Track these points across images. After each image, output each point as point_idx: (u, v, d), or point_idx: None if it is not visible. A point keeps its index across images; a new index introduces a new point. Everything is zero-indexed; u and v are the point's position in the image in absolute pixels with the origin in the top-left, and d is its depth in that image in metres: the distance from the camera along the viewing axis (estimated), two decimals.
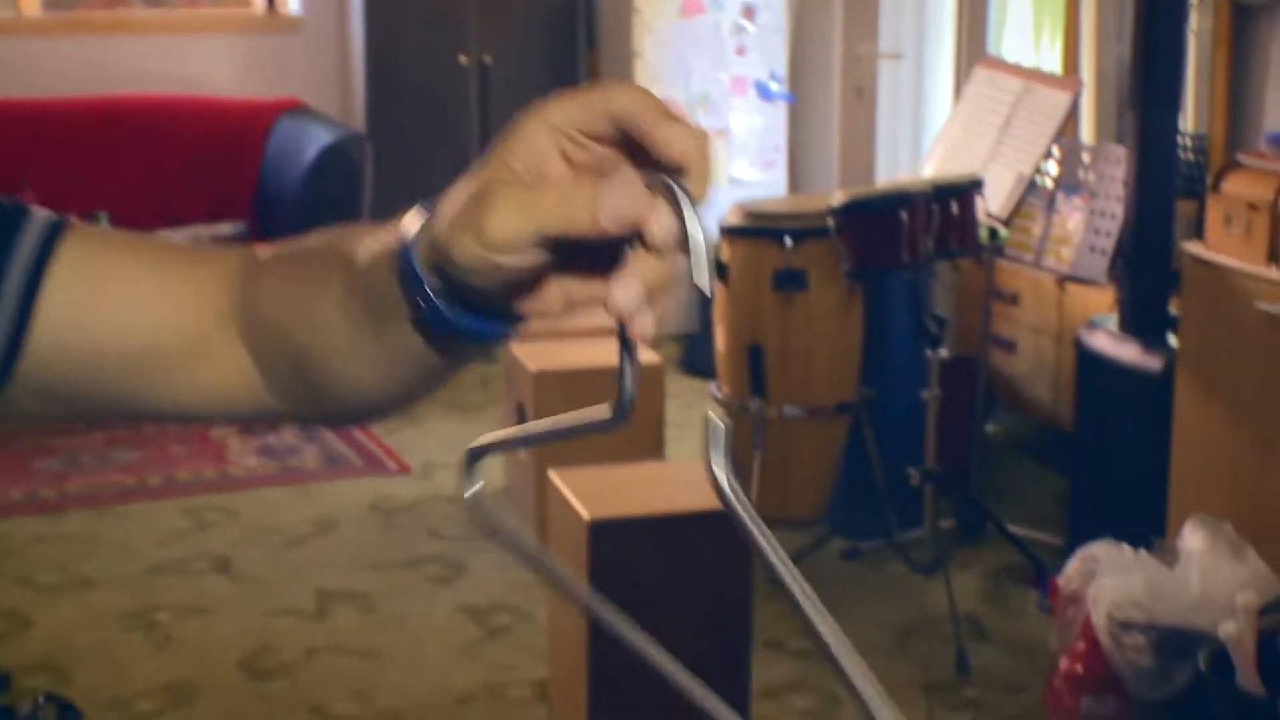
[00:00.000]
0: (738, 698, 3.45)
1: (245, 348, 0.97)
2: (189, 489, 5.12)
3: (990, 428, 4.99)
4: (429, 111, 6.76)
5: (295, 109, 6.41)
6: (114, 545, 4.69)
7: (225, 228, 6.12)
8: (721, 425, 0.68)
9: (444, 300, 0.78)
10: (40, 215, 1.04)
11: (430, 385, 0.94)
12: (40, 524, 4.82)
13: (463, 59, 6.66)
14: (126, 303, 1.04)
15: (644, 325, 0.72)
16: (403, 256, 0.79)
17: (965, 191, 4.11)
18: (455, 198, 0.74)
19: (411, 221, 0.79)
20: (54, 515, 4.87)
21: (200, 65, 6.76)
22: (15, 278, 1.02)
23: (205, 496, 5.06)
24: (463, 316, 0.79)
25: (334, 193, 5.98)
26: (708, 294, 0.69)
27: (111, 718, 3.71)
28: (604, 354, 4.30)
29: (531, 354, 4.53)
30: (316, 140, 6.08)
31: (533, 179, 0.73)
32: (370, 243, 0.85)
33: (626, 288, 0.71)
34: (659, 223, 0.70)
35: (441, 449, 5.39)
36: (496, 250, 0.71)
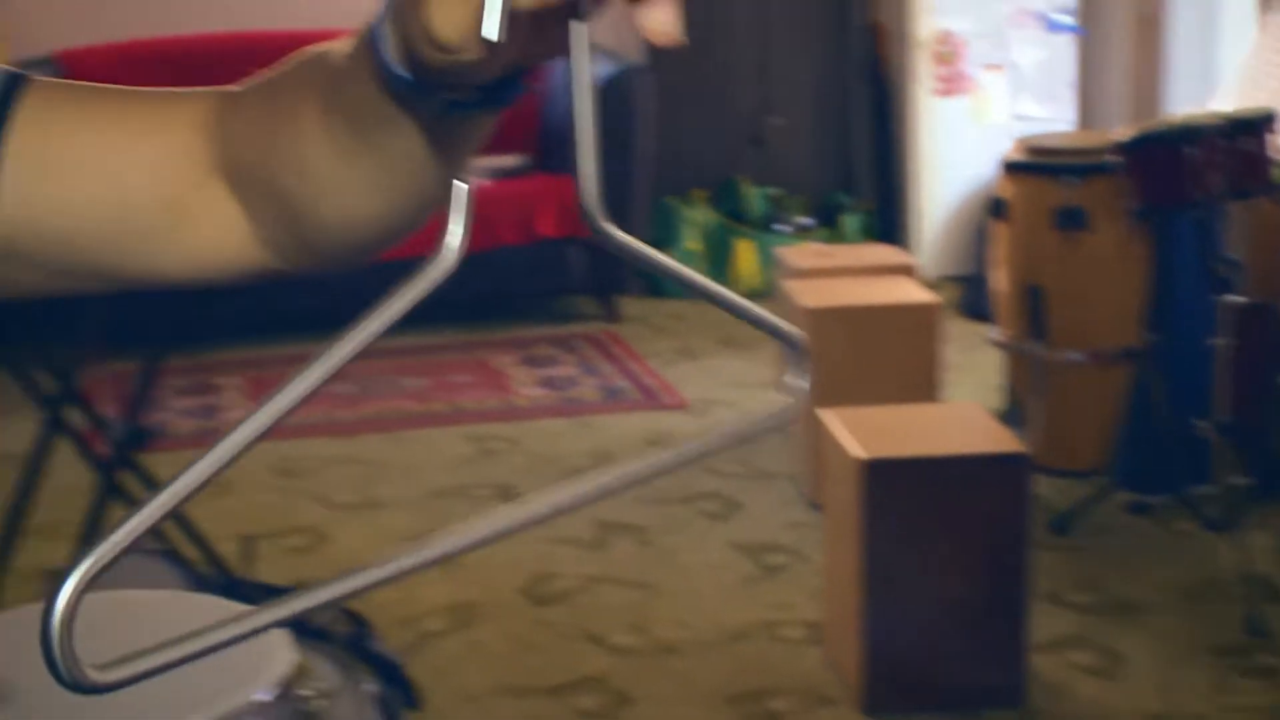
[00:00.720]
0: (1013, 648, 3.44)
1: (233, 195, 0.90)
2: (474, 417, 5.24)
3: None
4: (706, 45, 6.69)
5: None
6: (402, 468, 4.84)
7: (509, 160, 6.18)
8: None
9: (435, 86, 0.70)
10: (4, 69, 0.99)
11: (427, 198, 0.86)
12: (335, 446, 5.00)
13: None
14: (96, 159, 0.98)
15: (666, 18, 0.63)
16: (377, 61, 0.71)
17: (1260, 126, 4.00)
18: None
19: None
20: (348, 438, 5.07)
21: None
22: None
23: (489, 425, 5.19)
24: (464, 100, 0.72)
25: (613, 124, 5.93)
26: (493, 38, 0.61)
27: (399, 634, 3.81)
28: (880, 291, 4.22)
29: (806, 290, 4.44)
30: (597, 72, 5.95)
31: None
32: (339, 47, 0.78)
33: (661, 10, 0.62)
34: None
35: (718, 385, 5.44)
36: (450, 50, 0.64)
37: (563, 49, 0.67)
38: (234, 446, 0.55)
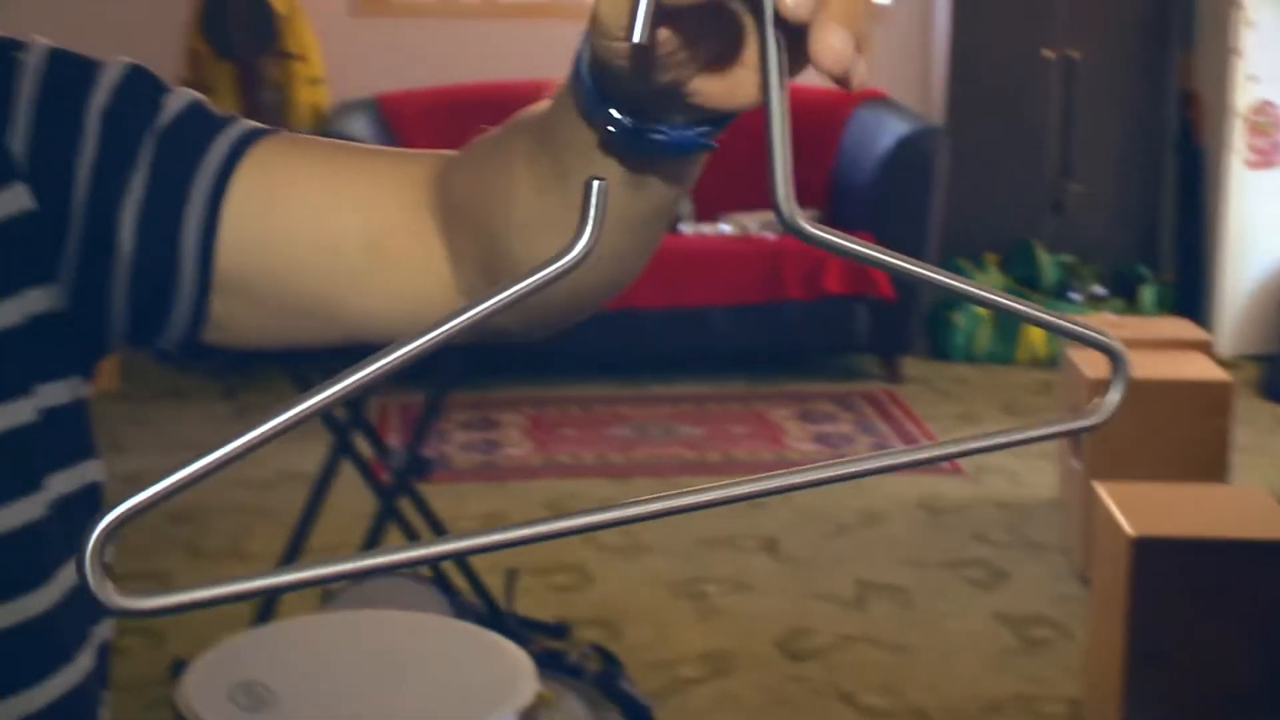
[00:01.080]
0: None
1: (439, 238, 0.94)
2: (745, 468, 5.18)
3: None
4: (1008, 106, 6.63)
5: (875, 99, 6.39)
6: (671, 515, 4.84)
7: (800, 214, 6.07)
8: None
9: (624, 114, 0.73)
10: (241, 124, 1.05)
11: (623, 246, 0.88)
12: (607, 487, 5.03)
13: (1048, 53, 6.48)
14: (311, 202, 1.04)
15: (860, 73, 0.63)
16: (575, 76, 0.74)
17: None
18: None
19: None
20: (621, 480, 5.08)
21: None
22: (201, 184, 1.03)
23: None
24: (646, 128, 0.74)
25: (906, 184, 5.97)
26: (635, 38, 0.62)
27: (653, 677, 3.84)
28: (1171, 366, 4.10)
29: (1089, 360, 4.34)
30: (893, 131, 6.08)
31: None
32: (551, 95, 0.80)
33: (832, 33, 0.62)
34: None
35: (997, 452, 5.29)
36: (612, 35, 0.66)
37: (731, 96, 0.69)
38: (287, 420, 0.57)
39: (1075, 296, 6.59)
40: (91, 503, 1.14)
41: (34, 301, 1.07)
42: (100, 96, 1.07)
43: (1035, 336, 6.51)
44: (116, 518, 0.57)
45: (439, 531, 3.84)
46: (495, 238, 0.90)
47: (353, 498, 3.93)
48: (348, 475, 3.81)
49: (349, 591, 3.36)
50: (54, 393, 1.10)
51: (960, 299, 0.77)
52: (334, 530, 3.97)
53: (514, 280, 0.61)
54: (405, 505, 3.78)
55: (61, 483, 1.10)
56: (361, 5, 6.46)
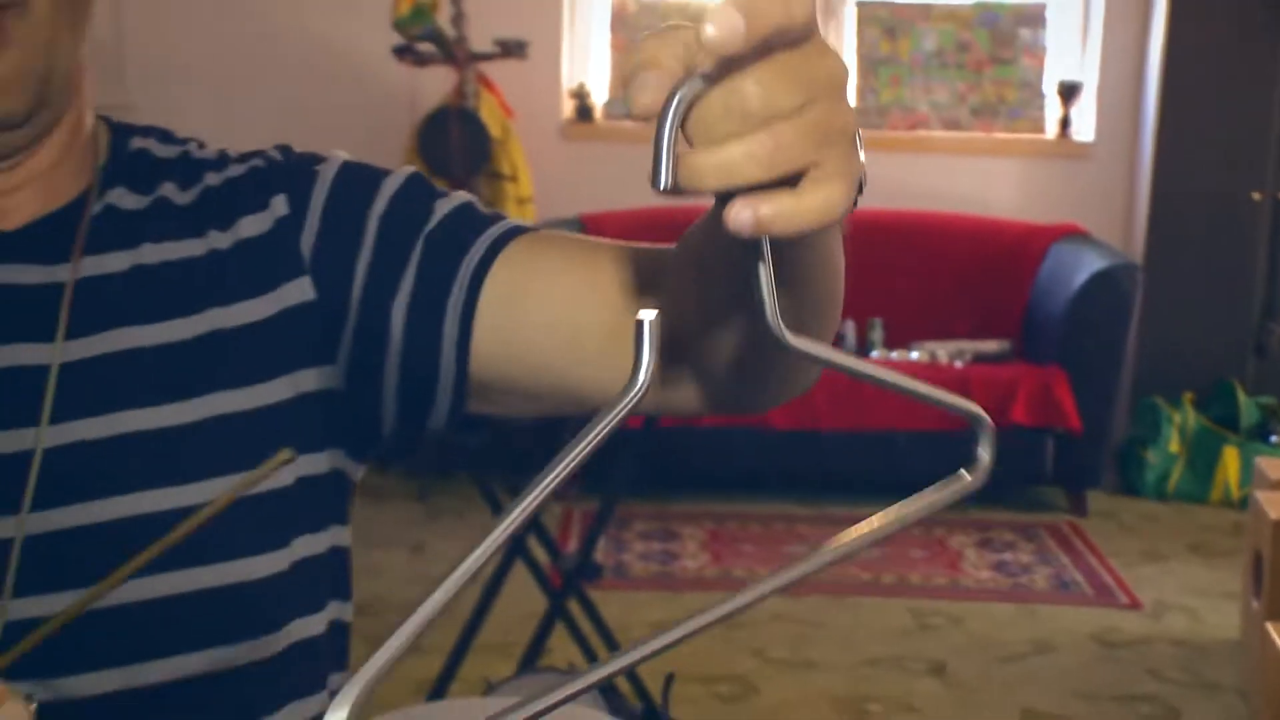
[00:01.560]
0: None
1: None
2: (919, 591, 5.07)
3: None
4: (1211, 246, 6.43)
5: (1073, 234, 6.29)
6: (840, 632, 4.73)
7: (991, 345, 6.05)
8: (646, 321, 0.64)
9: None
10: (500, 224, 1.15)
11: (822, 298, 0.94)
12: (780, 603, 4.86)
13: (1256, 195, 6.27)
14: (557, 296, 1.11)
15: (770, 213, 0.63)
16: None
17: None
18: None
19: None
20: (793, 597, 4.96)
21: (985, 186, 6.78)
22: (460, 284, 1.13)
23: (933, 601, 5.01)
24: None
25: (1100, 318, 5.81)
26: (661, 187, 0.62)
27: None
28: None
29: (1275, 501, 4.13)
30: (1089, 265, 5.92)
31: None
32: None
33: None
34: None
35: (1179, 590, 5.10)
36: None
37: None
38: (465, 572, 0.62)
39: (1276, 439, 6.28)
40: (335, 564, 1.23)
41: (306, 380, 1.17)
42: (379, 204, 1.17)
43: (1230, 476, 6.20)
44: (363, 690, 0.63)
45: (605, 635, 3.88)
46: (686, 331, 0.99)
47: (524, 598, 3.99)
48: (520, 575, 3.86)
49: (510, 683, 3.32)
50: (313, 463, 1.18)
51: (843, 370, 0.73)
52: (504, 628, 4.02)
53: (592, 426, 0.64)
54: (575, 608, 3.83)
55: (305, 546, 1.18)
56: (569, 130, 6.58)
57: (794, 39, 0.62)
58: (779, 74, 0.62)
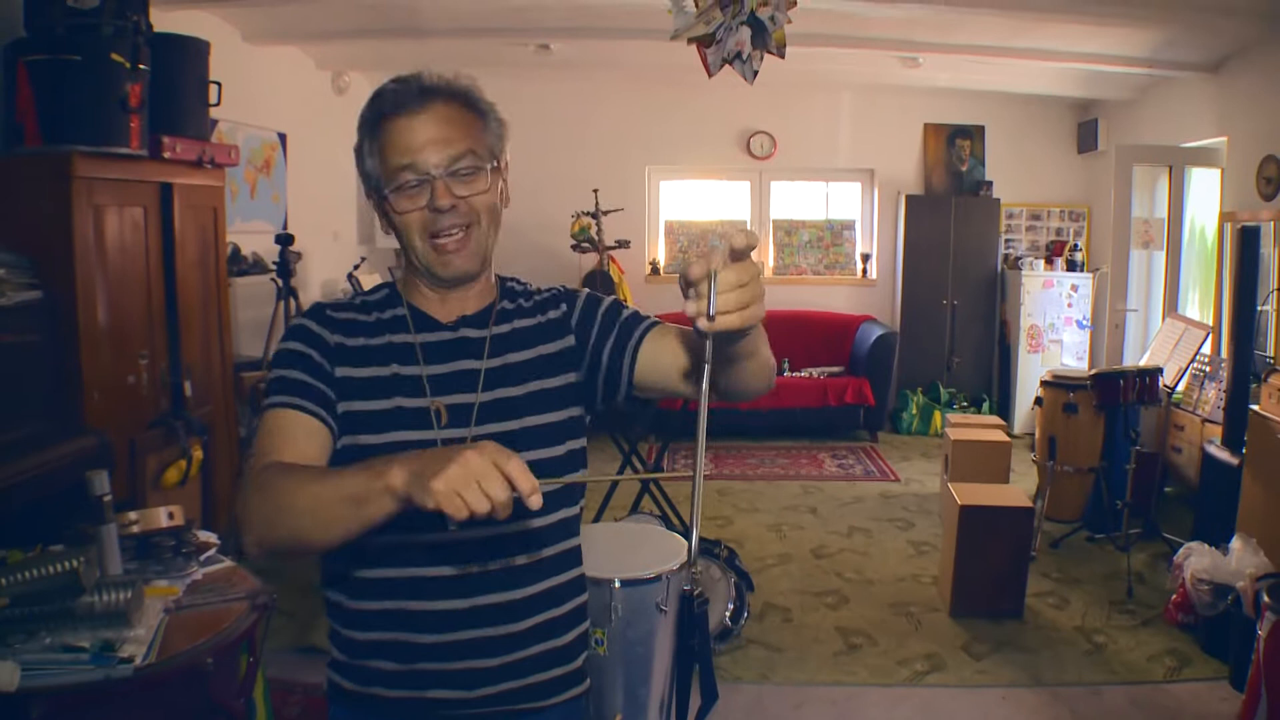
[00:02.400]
0: None
1: (698, 381, 1.09)
2: (805, 477, 5.99)
3: (1167, 488, 5.35)
4: (928, 323, 7.24)
5: (869, 320, 7.19)
6: (769, 495, 5.55)
7: (836, 368, 7.02)
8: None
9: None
10: (648, 318, 1.46)
11: (754, 370, 1.27)
12: (743, 482, 5.76)
13: (944, 301, 7.13)
14: (673, 355, 1.39)
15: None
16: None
17: (1154, 373, 4.62)
18: None
19: None
20: (750, 480, 5.82)
21: (832, 299, 7.65)
22: (633, 343, 1.41)
23: (811, 482, 5.85)
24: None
25: (882, 355, 6.78)
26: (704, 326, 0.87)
27: (751, 564, 4.46)
28: None
29: (953, 434, 4.95)
30: (877, 332, 6.88)
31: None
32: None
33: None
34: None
35: (915, 472, 6.13)
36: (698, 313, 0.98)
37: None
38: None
39: (955, 407, 7.18)
40: (579, 455, 1.50)
41: (571, 377, 1.46)
42: (602, 306, 1.49)
43: (938, 423, 7.06)
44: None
45: (666, 498, 4.12)
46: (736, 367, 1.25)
47: (631, 485, 4.50)
48: (628, 472, 4.20)
49: (627, 518, 3.61)
50: (573, 411, 1.47)
51: None
52: (621, 498, 4.53)
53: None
54: (653, 488, 4.18)
55: (570, 445, 1.46)
56: (648, 279, 7.72)
57: (748, 256, 0.95)
58: (749, 287, 0.93)
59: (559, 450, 1.42)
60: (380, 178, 1.39)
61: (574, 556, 1.51)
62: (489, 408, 1.39)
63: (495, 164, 1.41)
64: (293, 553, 1.20)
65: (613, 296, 1.51)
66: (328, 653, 1.51)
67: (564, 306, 1.49)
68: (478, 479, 1.04)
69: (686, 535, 3.37)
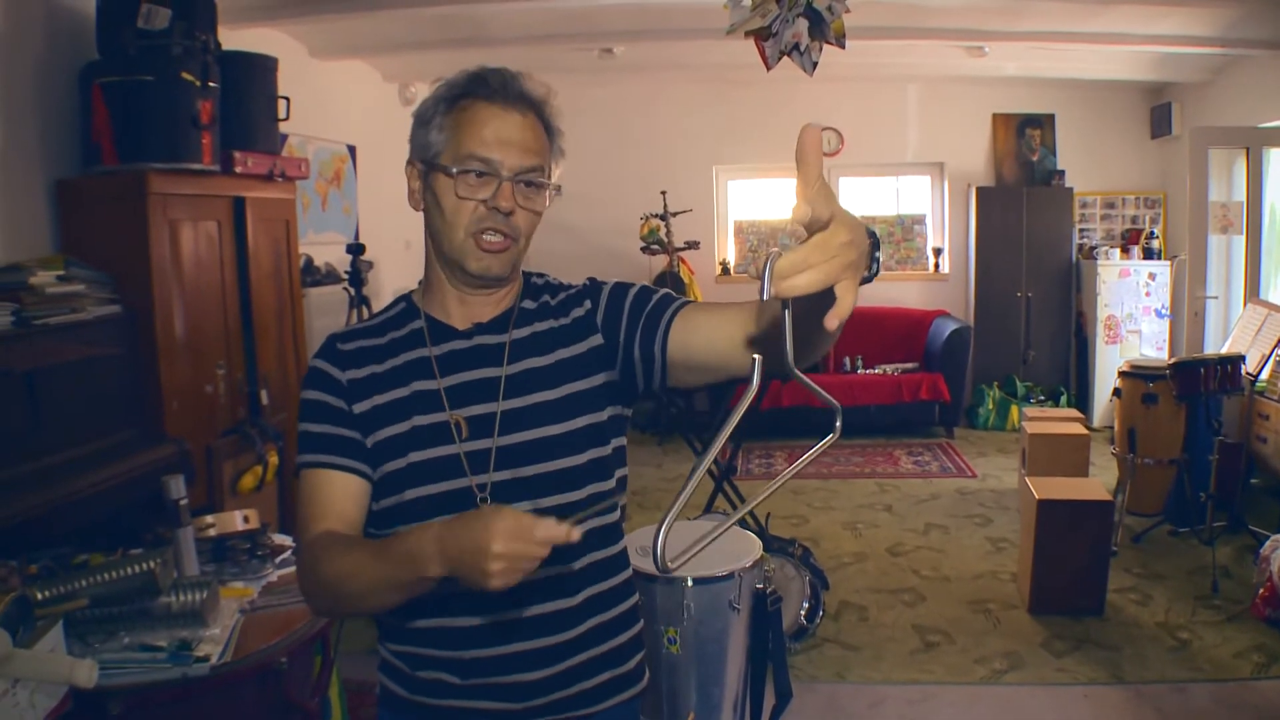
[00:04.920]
0: None
1: (753, 351, 1.12)
2: (880, 475, 5.97)
3: (1252, 479, 5.19)
4: (1002, 317, 7.20)
5: (943, 315, 7.18)
6: (843, 494, 5.53)
7: (910, 364, 6.99)
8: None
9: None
10: (679, 298, 1.37)
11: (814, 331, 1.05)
12: (815, 481, 5.73)
13: (1019, 294, 7.11)
14: (707, 330, 1.31)
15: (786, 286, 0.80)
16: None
17: (1236, 360, 4.55)
18: None
19: None
20: (820, 479, 5.81)
21: (906, 295, 7.62)
22: (663, 325, 1.34)
23: (886, 479, 5.83)
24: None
25: (957, 351, 6.79)
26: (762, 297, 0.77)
27: (826, 561, 4.45)
28: None
29: (1031, 427, 4.91)
30: (951, 327, 6.84)
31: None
32: None
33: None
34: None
35: (992, 468, 6.07)
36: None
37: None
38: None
39: (1032, 401, 7.11)
40: (620, 453, 1.44)
41: (602, 378, 1.40)
42: (630, 294, 1.42)
43: (1015, 418, 6.96)
44: (667, 526, 0.82)
45: (740, 497, 4.26)
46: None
47: (704, 483, 4.38)
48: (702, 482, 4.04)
49: (701, 517, 3.53)
50: (613, 410, 1.43)
51: None
52: (696, 498, 4.41)
53: (732, 412, 0.80)
54: (726, 487, 4.16)
55: (614, 443, 1.42)
56: (718, 279, 7.70)
57: (825, 223, 0.81)
58: (813, 246, 0.80)
59: (581, 459, 1.38)
60: (443, 153, 1.36)
61: (620, 560, 1.49)
62: (510, 416, 1.36)
63: (552, 187, 1.40)
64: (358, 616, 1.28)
65: (642, 283, 1.46)
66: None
67: (588, 304, 1.45)
68: (523, 554, 1.06)
69: (761, 534, 3.54)
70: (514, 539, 1.06)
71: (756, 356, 0.87)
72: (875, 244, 0.91)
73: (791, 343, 0.82)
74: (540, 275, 1.50)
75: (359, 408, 1.38)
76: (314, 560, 1.28)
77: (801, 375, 0.87)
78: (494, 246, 1.35)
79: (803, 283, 0.79)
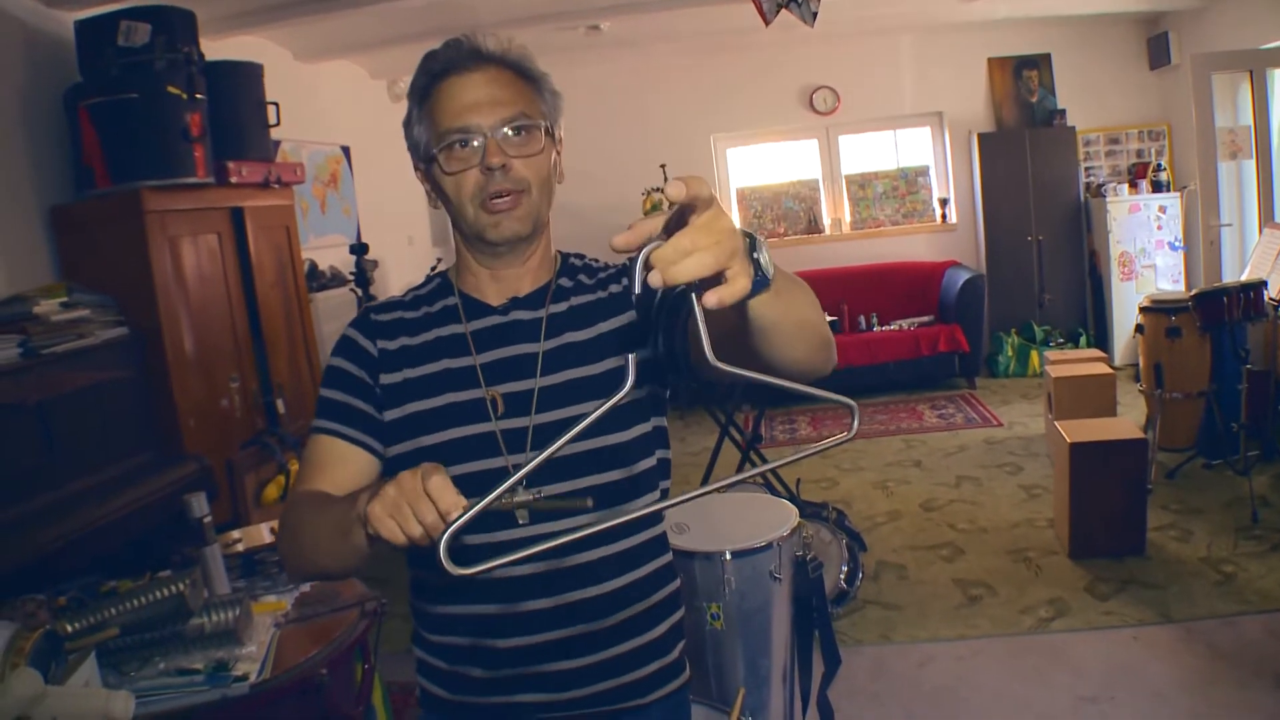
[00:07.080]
0: None
1: (757, 350, 1.03)
2: (906, 431, 5.96)
3: None
4: (1014, 263, 7.19)
5: (954, 265, 7.16)
6: (872, 452, 5.52)
7: (925, 318, 7.01)
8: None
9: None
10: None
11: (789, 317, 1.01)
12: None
13: (1029, 238, 7.11)
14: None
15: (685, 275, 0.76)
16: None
17: (1259, 286, 4.52)
18: None
19: None
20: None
21: (913, 248, 7.63)
22: (686, 307, 1.24)
23: (912, 435, 5.82)
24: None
25: (971, 300, 6.77)
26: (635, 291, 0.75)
27: (861, 523, 4.45)
28: None
29: (1054, 371, 4.85)
30: (963, 276, 6.82)
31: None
32: None
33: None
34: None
35: (1017, 414, 6.04)
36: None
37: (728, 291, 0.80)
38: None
39: (1051, 345, 7.09)
40: (660, 432, 1.43)
41: (642, 356, 1.36)
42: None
43: (1035, 364, 6.98)
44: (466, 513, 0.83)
45: (774, 472, 3.92)
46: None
47: (730, 452, 4.76)
48: (728, 449, 4.62)
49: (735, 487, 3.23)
50: (651, 388, 1.40)
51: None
52: (724, 465, 4.76)
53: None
54: (753, 455, 4.23)
55: (653, 422, 1.41)
56: None
57: (704, 206, 0.79)
58: (697, 229, 0.78)
59: (622, 437, 1.35)
60: (429, 142, 1.34)
61: (659, 544, 1.45)
62: (549, 393, 1.34)
63: (549, 129, 1.35)
64: (324, 580, 1.21)
65: None
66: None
67: (625, 281, 1.44)
68: (410, 502, 0.99)
69: (793, 500, 3.57)
70: (408, 483, 1.01)
71: (631, 356, 0.84)
72: (753, 245, 0.87)
73: (707, 333, 0.78)
74: (579, 255, 1.49)
75: (387, 379, 1.37)
76: (285, 512, 1.29)
77: (728, 367, 0.83)
78: (502, 206, 1.32)
79: (692, 265, 0.76)
